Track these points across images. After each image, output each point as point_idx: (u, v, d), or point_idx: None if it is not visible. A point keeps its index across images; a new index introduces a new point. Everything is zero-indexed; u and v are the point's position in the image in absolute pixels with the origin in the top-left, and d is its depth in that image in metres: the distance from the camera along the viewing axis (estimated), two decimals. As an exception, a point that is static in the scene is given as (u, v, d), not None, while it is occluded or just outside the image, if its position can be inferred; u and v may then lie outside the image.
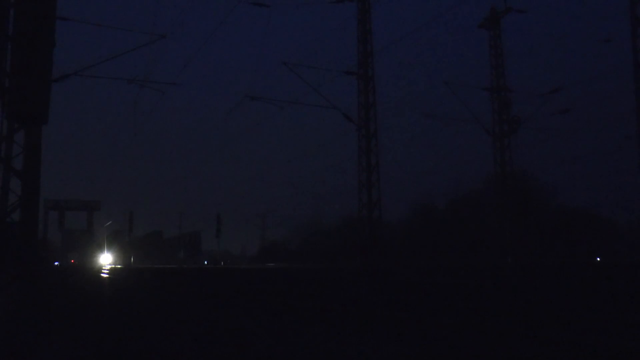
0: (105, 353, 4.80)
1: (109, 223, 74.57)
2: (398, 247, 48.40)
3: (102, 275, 26.57)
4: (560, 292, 12.22)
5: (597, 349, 5.45)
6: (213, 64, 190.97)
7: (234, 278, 20.64)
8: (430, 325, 7.34)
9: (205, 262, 66.69)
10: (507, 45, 37.94)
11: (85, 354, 4.69)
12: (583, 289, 12.76)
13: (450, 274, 21.54)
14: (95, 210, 73.44)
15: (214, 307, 9.16)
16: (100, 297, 11.45)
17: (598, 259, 42.73)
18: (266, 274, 24.26)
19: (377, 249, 27.46)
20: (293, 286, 15.68)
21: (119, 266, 61.75)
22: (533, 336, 6.12)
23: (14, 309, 9.22)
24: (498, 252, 30.79)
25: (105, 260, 75.95)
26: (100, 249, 77.53)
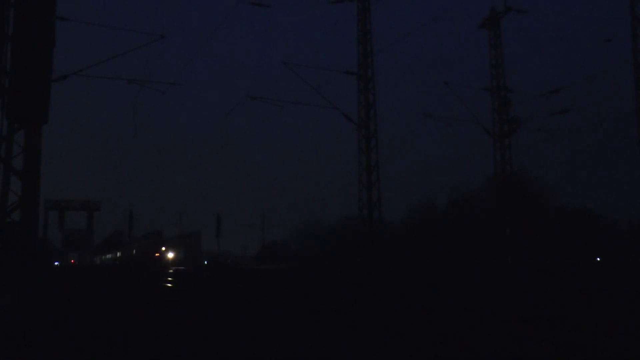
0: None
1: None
2: (398, 247, 48.38)
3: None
4: (560, 292, 12.22)
5: (597, 348, 5.44)
6: (213, 64, 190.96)
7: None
8: (430, 326, 7.35)
9: (205, 262, 66.65)
10: (507, 45, 37.92)
11: None
12: (583, 289, 12.75)
13: (450, 275, 21.53)
14: (95, 210, 73.28)
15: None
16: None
17: (598, 259, 42.73)
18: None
19: (377, 249, 27.43)
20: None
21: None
22: (533, 336, 6.12)
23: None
24: (498, 252, 30.78)
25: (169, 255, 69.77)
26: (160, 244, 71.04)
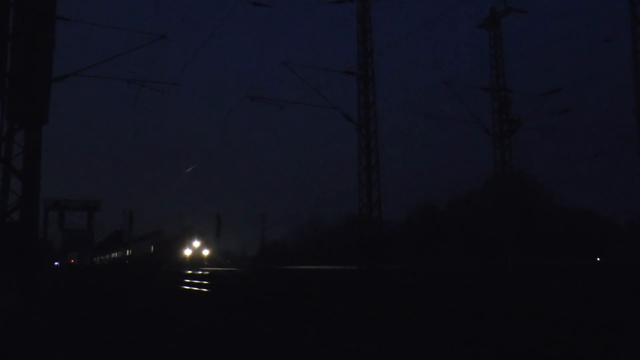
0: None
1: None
2: (398, 247, 48.38)
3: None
4: (560, 293, 12.21)
5: (596, 348, 5.43)
6: (213, 64, 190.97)
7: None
8: (430, 326, 7.35)
9: (206, 263, 66.60)
10: (507, 45, 37.98)
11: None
12: (582, 290, 12.75)
13: (450, 275, 21.52)
14: (95, 210, 73.44)
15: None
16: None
17: (598, 259, 42.72)
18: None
19: (377, 249, 27.42)
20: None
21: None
22: (532, 336, 6.12)
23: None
24: (498, 252, 30.75)
25: (201, 253, 55.71)
26: (189, 237, 56.14)
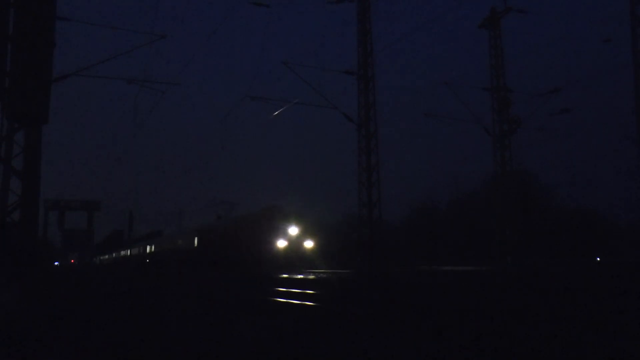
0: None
1: None
2: (398, 247, 48.38)
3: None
4: (560, 293, 12.21)
5: (596, 349, 5.44)
6: (213, 64, 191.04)
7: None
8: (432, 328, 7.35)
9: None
10: (507, 45, 38.00)
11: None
12: (583, 290, 12.75)
13: (450, 276, 21.50)
14: (95, 210, 73.27)
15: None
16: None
17: (598, 259, 42.73)
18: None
19: (377, 249, 27.42)
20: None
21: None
22: (532, 337, 6.12)
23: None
24: (498, 252, 30.76)
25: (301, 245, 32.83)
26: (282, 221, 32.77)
